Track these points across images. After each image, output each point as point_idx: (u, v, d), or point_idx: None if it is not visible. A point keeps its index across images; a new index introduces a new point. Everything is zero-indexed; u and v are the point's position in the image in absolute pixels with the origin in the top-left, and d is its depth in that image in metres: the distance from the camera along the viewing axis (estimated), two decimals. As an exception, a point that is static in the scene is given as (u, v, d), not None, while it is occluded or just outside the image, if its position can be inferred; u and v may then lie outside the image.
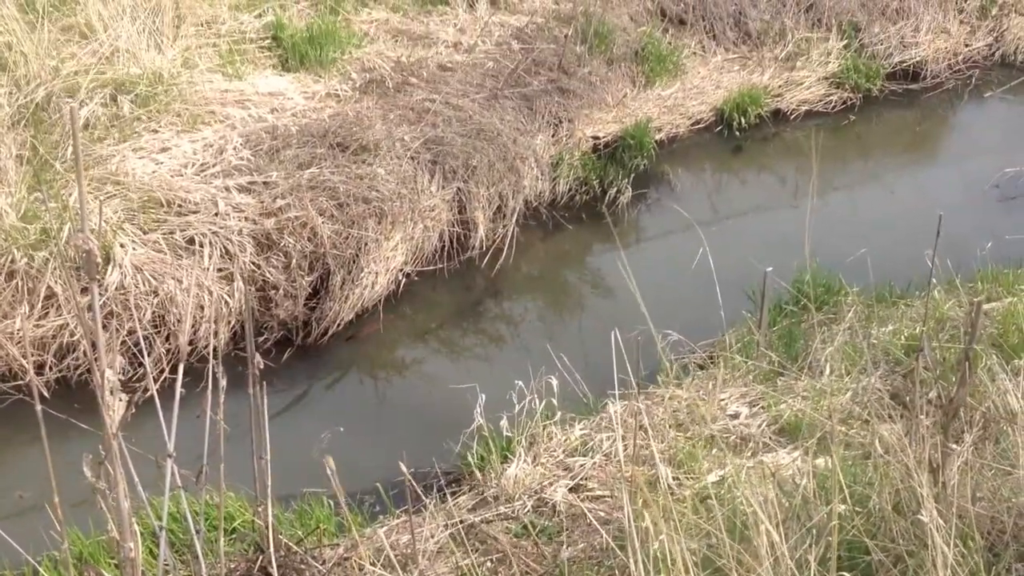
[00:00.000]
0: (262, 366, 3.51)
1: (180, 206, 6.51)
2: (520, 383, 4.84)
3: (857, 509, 2.70)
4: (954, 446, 2.59)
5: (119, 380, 2.69)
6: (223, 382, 3.08)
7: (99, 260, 2.53)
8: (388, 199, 6.85)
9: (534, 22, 8.80)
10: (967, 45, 10.08)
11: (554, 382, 4.62)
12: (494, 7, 8.93)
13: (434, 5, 8.78)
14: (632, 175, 8.22)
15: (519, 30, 8.69)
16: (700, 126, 9.05)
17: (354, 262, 6.71)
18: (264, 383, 3.64)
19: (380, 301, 6.81)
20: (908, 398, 2.43)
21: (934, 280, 6.10)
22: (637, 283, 7.28)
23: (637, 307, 7.02)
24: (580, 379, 5.30)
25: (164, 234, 6.38)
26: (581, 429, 4.74)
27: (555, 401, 4.86)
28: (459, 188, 7.32)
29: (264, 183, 6.75)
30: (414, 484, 3.20)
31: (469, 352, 6.71)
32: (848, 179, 8.77)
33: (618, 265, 7.58)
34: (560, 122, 8.22)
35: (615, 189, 8.07)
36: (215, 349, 2.94)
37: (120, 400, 2.62)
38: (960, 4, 10.27)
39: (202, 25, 7.88)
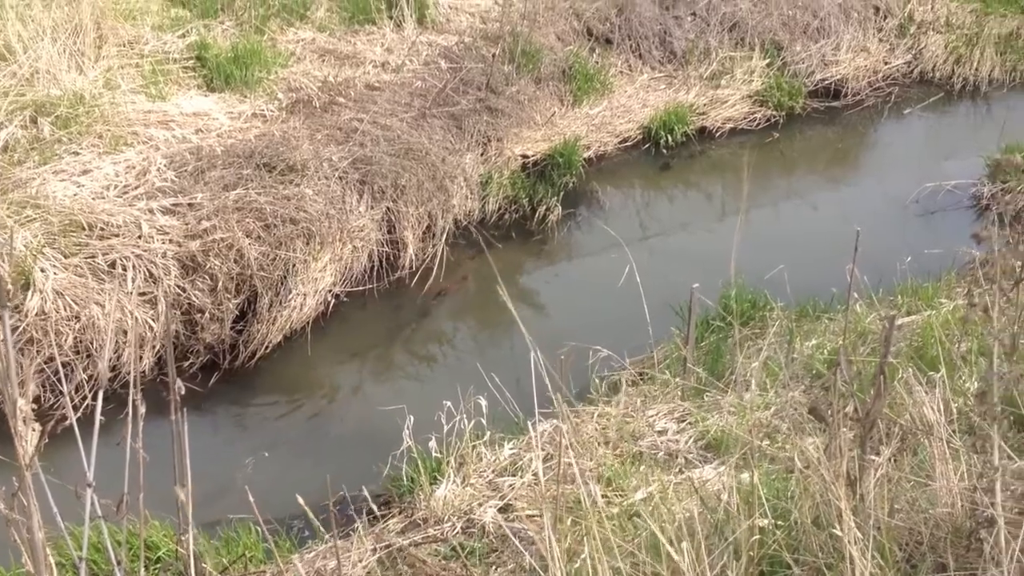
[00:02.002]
0: (183, 391, 3.44)
1: (102, 229, 6.39)
2: (448, 403, 4.82)
3: (779, 523, 2.73)
4: (873, 458, 2.63)
5: (36, 408, 2.63)
6: (142, 409, 3.02)
7: (10, 286, 2.47)
8: (316, 219, 6.81)
9: (462, 41, 8.83)
10: (886, 63, 10.30)
11: (483, 402, 4.61)
12: (421, 26, 8.93)
13: (361, 25, 8.76)
14: (561, 193, 8.27)
15: (447, 49, 8.70)
16: (628, 144, 9.13)
17: (282, 284, 6.66)
18: (186, 409, 3.58)
19: (308, 323, 6.76)
20: (826, 412, 2.47)
21: (855, 295, 6.26)
22: (568, 300, 7.37)
23: (569, 324, 7.09)
24: (511, 398, 5.30)
25: (86, 258, 6.26)
26: (511, 449, 4.73)
27: (484, 421, 4.85)
28: (388, 208, 7.30)
29: (189, 205, 6.66)
30: (335, 513, 3.16)
31: (399, 373, 6.67)
32: (773, 195, 8.91)
33: (548, 283, 7.67)
34: (489, 141, 8.24)
35: (544, 207, 8.11)
36: (135, 375, 2.88)
37: (33, 430, 2.55)
38: (879, 23, 10.50)
39: (124, 45, 7.78)
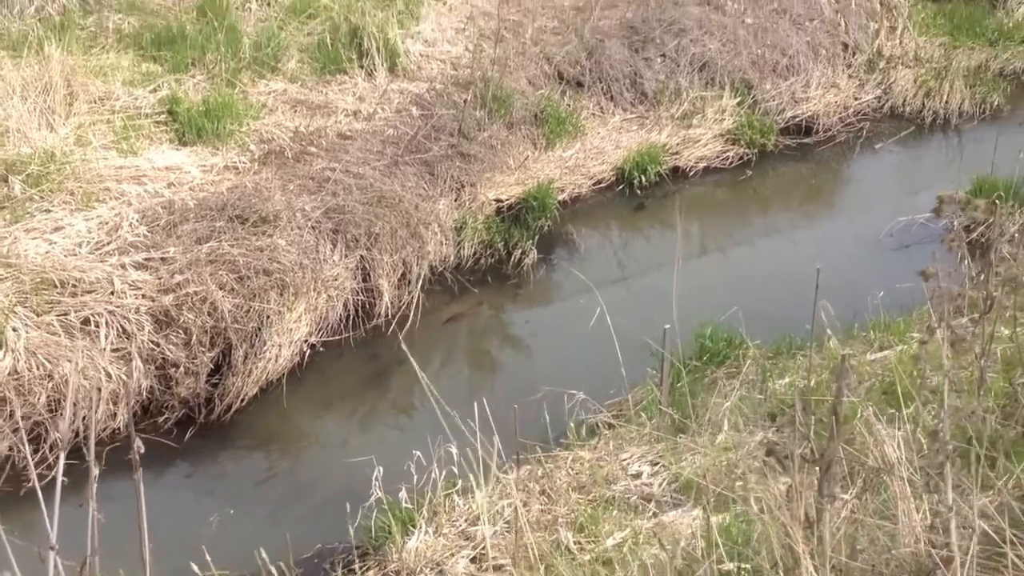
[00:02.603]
0: (143, 451, 3.42)
1: (75, 286, 6.38)
2: (418, 453, 4.79)
3: (743, 567, 2.71)
4: (838, 498, 2.62)
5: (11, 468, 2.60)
6: (96, 471, 2.99)
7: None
8: (290, 270, 6.81)
9: (433, 88, 8.88)
10: (857, 98, 10.39)
11: (453, 450, 4.58)
12: (393, 74, 8.98)
13: (333, 75, 8.81)
14: (536, 236, 8.28)
15: (418, 96, 8.75)
16: (602, 185, 9.16)
17: (256, 335, 6.64)
18: (161, 464, 3.56)
19: (284, 374, 6.74)
20: (782, 454, 2.46)
21: (828, 331, 6.27)
22: (545, 343, 7.36)
23: (547, 368, 7.08)
24: (489, 444, 5.28)
25: (59, 315, 6.25)
26: (483, 497, 4.70)
27: (456, 469, 4.82)
28: (362, 256, 7.30)
29: (162, 259, 6.66)
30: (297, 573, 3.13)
31: (376, 422, 6.65)
32: (748, 233, 8.95)
33: (525, 327, 7.67)
34: (462, 186, 8.27)
35: (520, 251, 8.12)
36: (92, 437, 2.86)
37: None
38: (848, 59, 10.60)
39: (95, 102, 7.80)
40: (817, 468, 2.46)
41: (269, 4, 9.32)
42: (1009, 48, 11.16)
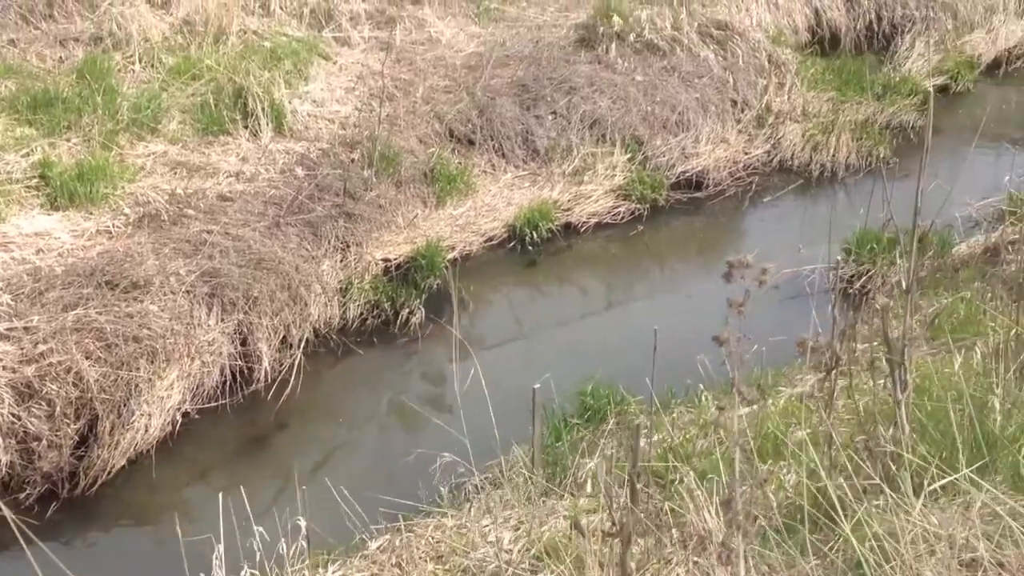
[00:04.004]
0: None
1: (-71, 359, 6.13)
2: (261, 529, 4.61)
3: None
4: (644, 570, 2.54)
5: None
6: None
7: None
8: (161, 336, 6.62)
9: (319, 148, 8.79)
10: (746, 153, 10.51)
11: (302, 523, 4.42)
12: (279, 135, 8.88)
13: (216, 136, 8.67)
14: (425, 295, 8.18)
15: (304, 156, 8.65)
16: (493, 243, 9.11)
17: (125, 405, 6.43)
18: (19, 543, 3.36)
19: (154, 444, 6.52)
20: (586, 527, 2.38)
21: (701, 386, 6.26)
22: (428, 404, 7.23)
23: (428, 429, 6.95)
24: (352, 513, 5.13)
25: (-88, 390, 5.99)
26: (335, 571, 4.55)
27: (305, 544, 4.64)
28: (240, 320, 7.14)
29: (24, 328, 6.43)
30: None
31: (249, 491, 6.44)
32: (639, 288, 8.97)
33: (408, 388, 7.55)
34: (348, 246, 8.16)
35: (407, 311, 8.01)
36: None
37: None
38: (737, 115, 10.74)
39: (-38, 168, 7.58)
40: (619, 541, 2.38)
41: (152, 65, 9.17)
42: (895, 102, 11.41)
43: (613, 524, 2.39)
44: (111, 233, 7.45)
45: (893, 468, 3.15)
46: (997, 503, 2.83)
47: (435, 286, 8.33)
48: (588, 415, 6.64)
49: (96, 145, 8.00)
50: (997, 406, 3.63)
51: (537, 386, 5.58)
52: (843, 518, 3.07)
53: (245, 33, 9.76)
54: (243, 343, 7.18)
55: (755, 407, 4.51)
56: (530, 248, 9.10)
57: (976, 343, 5.34)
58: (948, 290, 7.27)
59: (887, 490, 2.98)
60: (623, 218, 9.59)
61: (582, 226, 9.44)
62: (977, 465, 3.20)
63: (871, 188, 9.96)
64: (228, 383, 7.03)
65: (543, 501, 4.84)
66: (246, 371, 7.14)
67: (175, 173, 8.19)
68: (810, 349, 4.09)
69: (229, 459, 6.74)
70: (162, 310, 6.77)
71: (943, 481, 3.01)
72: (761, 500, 3.67)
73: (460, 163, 9.48)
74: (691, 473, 3.41)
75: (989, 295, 6.55)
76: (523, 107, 10.00)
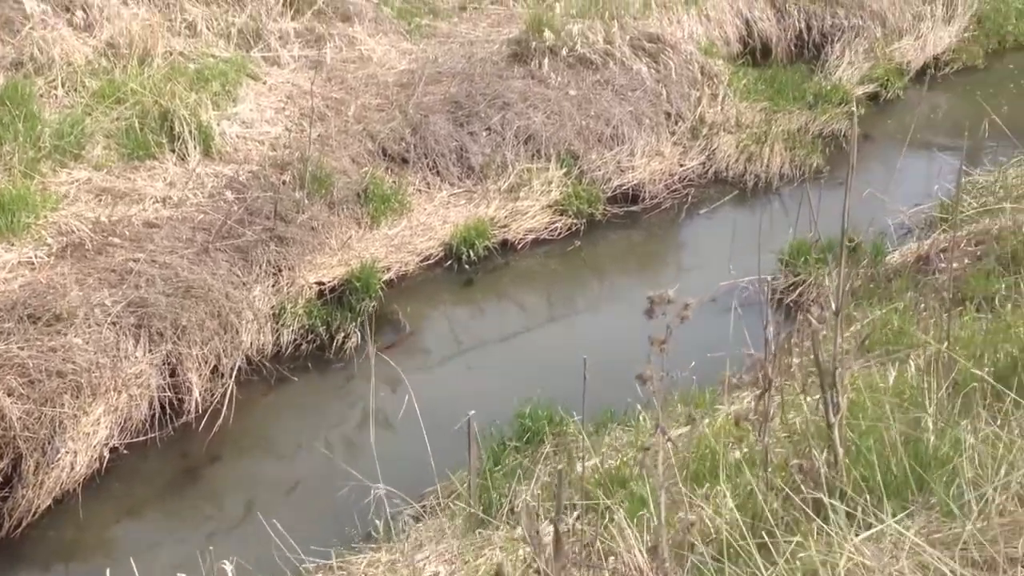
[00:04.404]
0: None
1: None
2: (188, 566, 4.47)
3: None
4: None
5: None
6: None
7: None
8: (86, 370, 6.44)
9: (249, 170, 8.63)
10: (682, 165, 10.51)
11: (228, 567, 4.27)
12: (207, 157, 8.70)
13: (142, 160, 8.48)
14: (360, 318, 8.05)
15: (233, 179, 8.48)
16: (430, 262, 9.00)
17: (49, 443, 6.23)
18: None
19: (81, 481, 6.32)
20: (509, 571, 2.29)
21: (639, 407, 6.20)
22: (362, 432, 7.08)
23: (364, 459, 6.81)
24: (287, 549, 4.99)
25: None
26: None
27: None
28: (169, 350, 6.97)
29: (-60, 367, 6.22)
30: None
31: (181, 527, 6.29)
32: (578, 303, 8.92)
33: (342, 415, 7.41)
34: (280, 271, 8.00)
35: (343, 334, 7.88)
36: None
37: None
38: (672, 127, 10.74)
39: None
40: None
41: (76, 90, 8.95)
42: (827, 111, 11.48)
43: (537, 573, 2.31)
44: (33, 264, 7.23)
45: (825, 495, 3.10)
46: (929, 530, 2.79)
47: (371, 308, 8.21)
48: (527, 437, 6.55)
49: (17, 174, 7.77)
50: (930, 425, 3.60)
51: (472, 413, 5.48)
52: (780, 543, 3.01)
53: (171, 55, 9.56)
54: (172, 374, 7.01)
55: (689, 428, 4.44)
56: (467, 267, 9.00)
57: (910, 355, 5.34)
58: (882, 300, 7.28)
59: (817, 520, 2.93)
60: (560, 234, 9.53)
61: (519, 243, 9.37)
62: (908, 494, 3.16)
63: (804, 198, 10.03)
64: (157, 416, 6.86)
65: (478, 533, 4.74)
66: (176, 403, 6.98)
67: (100, 200, 7.98)
68: (745, 367, 4.05)
69: (160, 494, 6.57)
70: (87, 343, 6.58)
71: (875, 524, 2.95)
72: (697, 527, 3.61)
73: (394, 182, 9.37)
74: (620, 510, 3.33)
75: (922, 305, 6.57)
76: (457, 124, 9.91)
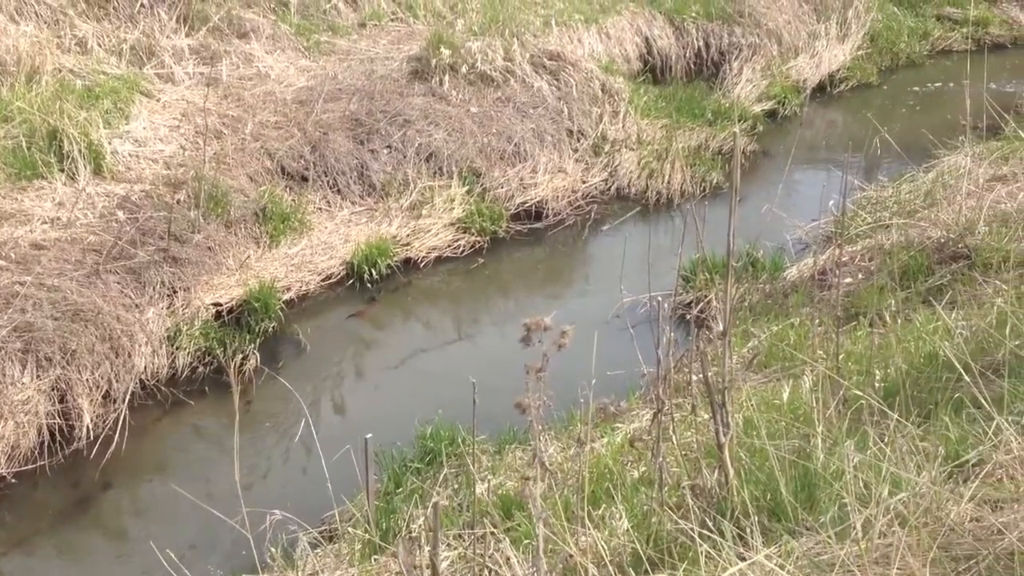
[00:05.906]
0: None
1: None
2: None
3: None
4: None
5: None
6: None
7: None
8: (-33, 400, 6.20)
9: (142, 189, 8.42)
10: (584, 182, 10.56)
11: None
12: (97, 176, 8.47)
13: (29, 180, 8.22)
14: (259, 340, 7.91)
15: (124, 199, 8.26)
16: (331, 281, 8.89)
17: (-71, 475, 5.99)
18: None
19: (-38, 515, 6.09)
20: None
21: (540, 427, 6.16)
22: (265, 454, 6.95)
23: (262, 484, 6.70)
24: (188, 575, 4.86)
25: None
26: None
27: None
28: (58, 376, 6.75)
29: None
30: None
31: (73, 560, 6.08)
32: (481, 321, 8.88)
33: (240, 440, 7.23)
34: (175, 292, 7.82)
35: (241, 356, 7.72)
36: None
37: None
38: (574, 144, 10.79)
39: None
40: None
41: (-40, 109, 8.66)
42: (726, 127, 11.66)
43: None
44: (-88, 291, 6.95)
45: (716, 515, 3.10)
46: (818, 551, 2.81)
47: (271, 329, 8.08)
48: (429, 458, 6.49)
49: None
50: (819, 443, 3.63)
51: (370, 435, 5.40)
52: (675, 563, 3.01)
53: (60, 72, 9.30)
54: (62, 400, 6.79)
55: (585, 449, 4.42)
56: (369, 285, 8.91)
57: (804, 371, 5.41)
58: (779, 316, 7.39)
59: (705, 545, 2.92)
60: (464, 251, 9.50)
61: (422, 261, 9.31)
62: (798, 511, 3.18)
63: (704, 215, 10.13)
64: (47, 443, 6.64)
65: (374, 560, 4.66)
66: (66, 429, 6.76)
67: (-17, 223, 7.71)
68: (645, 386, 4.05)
69: (51, 524, 6.34)
70: (-31, 371, 6.34)
71: (764, 547, 2.96)
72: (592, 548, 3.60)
73: (294, 201, 9.24)
74: (506, 538, 3.30)
75: (817, 320, 6.67)
76: (357, 141, 9.83)
